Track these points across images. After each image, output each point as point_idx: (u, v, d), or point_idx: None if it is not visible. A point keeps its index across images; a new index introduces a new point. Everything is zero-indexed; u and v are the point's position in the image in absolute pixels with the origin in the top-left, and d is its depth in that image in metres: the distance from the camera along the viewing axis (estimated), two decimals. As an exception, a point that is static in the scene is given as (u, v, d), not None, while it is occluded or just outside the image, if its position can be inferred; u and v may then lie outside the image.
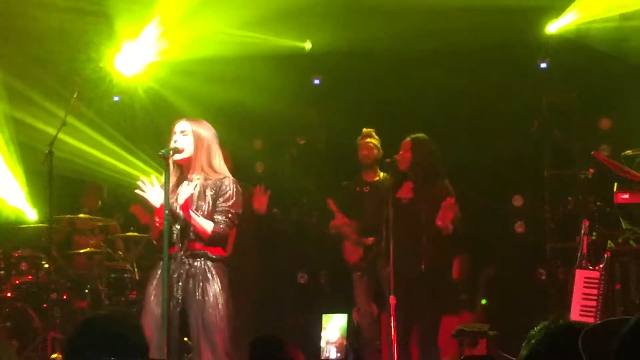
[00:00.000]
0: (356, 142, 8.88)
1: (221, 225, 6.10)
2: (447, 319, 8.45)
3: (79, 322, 3.38)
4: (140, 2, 9.51)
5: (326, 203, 8.87)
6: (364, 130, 8.86)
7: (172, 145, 6.16)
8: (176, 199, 6.07)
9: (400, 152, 8.10)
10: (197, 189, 6.11)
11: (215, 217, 6.12)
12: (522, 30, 9.79)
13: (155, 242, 6.42)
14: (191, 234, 6.12)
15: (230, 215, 6.15)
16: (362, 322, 8.71)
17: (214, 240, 6.12)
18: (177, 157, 6.13)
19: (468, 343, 8.26)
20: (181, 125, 6.22)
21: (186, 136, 6.17)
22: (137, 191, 6.15)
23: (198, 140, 6.19)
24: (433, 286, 7.98)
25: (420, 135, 8.20)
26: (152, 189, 6.12)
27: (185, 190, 6.01)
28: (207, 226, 6.08)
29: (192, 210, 6.04)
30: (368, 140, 8.80)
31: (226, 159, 6.70)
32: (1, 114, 10.22)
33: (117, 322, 3.30)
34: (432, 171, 8.06)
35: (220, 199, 6.14)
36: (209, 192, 6.14)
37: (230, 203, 6.15)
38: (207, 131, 6.26)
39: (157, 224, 6.16)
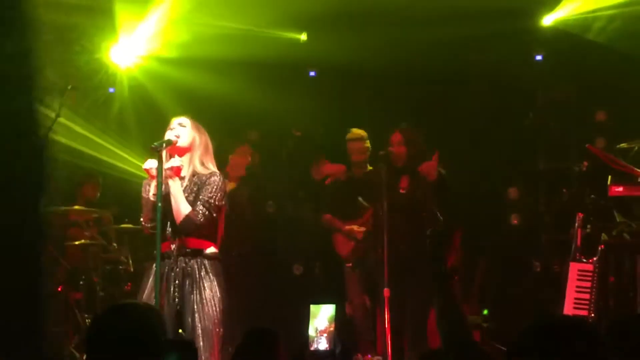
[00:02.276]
0: (345, 140, 8.86)
1: (199, 215, 6.11)
2: None
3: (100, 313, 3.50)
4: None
5: (321, 203, 8.97)
6: (354, 133, 8.84)
7: (168, 135, 6.20)
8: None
9: (393, 147, 8.11)
10: (185, 182, 6.18)
11: (196, 206, 6.13)
12: (518, 22, 9.82)
13: (145, 231, 6.43)
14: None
15: (210, 205, 6.16)
16: (354, 314, 8.74)
17: (184, 225, 6.11)
18: (178, 144, 6.20)
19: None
20: (180, 119, 6.31)
21: (184, 127, 6.25)
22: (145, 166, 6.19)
23: (196, 134, 6.29)
24: (428, 277, 8.11)
25: (406, 126, 8.24)
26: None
27: (174, 161, 6.08)
28: (184, 208, 6.09)
29: (176, 186, 6.09)
30: (360, 143, 8.80)
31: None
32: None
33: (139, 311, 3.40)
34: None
35: (203, 190, 6.17)
36: (194, 187, 6.20)
37: (212, 195, 6.17)
38: (204, 131, 6.35)
39: (153, 198, 6.13)
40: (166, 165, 6.06)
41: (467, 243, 9.28)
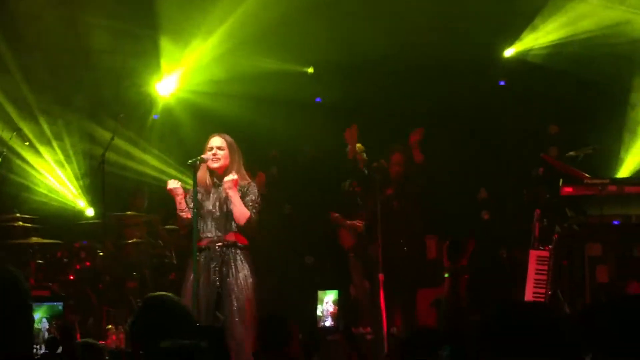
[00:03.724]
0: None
1: (253, 215, 6.53)
2: (426, 291, 8.85)
3: (144, 301, 3.57)
4: (180, 37, 10.06)
5: (328, 205, 9.30)
6: (359, 147, 9.12)
7: (207, 155, 6.57)
8: (214, 195, 6.53)
9: (392, 167, 8.47)
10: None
11: (249, 208, 6.48)
12: (484, 54, 10.37)
13: (181, 229, 6.97)
14: (223, 228, 6.51)
15: (256, 209, 6.60)
16: (358, 295, 9.33)
17: (249, 225, 6.50)
18: (215, 165, 6.55)
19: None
20: (217, 141, 6.65)
21: (223, 150, 6.62)
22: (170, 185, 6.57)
23: (232, 153, 6.64)
24: (413, 265, 8.58)
25: (403, 146, 8.56)
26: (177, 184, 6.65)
27: (231, 176, 6.41)
28: (246, 211, 6.48)
29: (236, 197, 6.44)
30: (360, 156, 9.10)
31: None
32: (75, 129, 10.62)
33: (177, 304, 3.48)
34: (419, 182, 8.61)
35: (247, 198, 6.56)
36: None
37: (256, 199, 6.60)
38: (235, 145, 6.68)
39: (178, 211, 6.57)
40: (226, 178, 6.44)
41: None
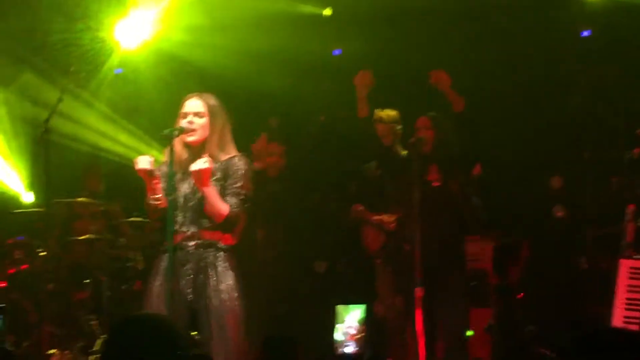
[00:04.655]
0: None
1: (234, 208, 6.09)
2: (479, 312, 8.55)
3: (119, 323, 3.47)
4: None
5: (346, 188, 8.89)
6: (375, 114, 8.69)
7: (182, 123, 6.16)
8: (190, 177, 6.11)
9: (420, 131, 8.02)
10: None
11: (227, 199, 6.10)
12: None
13: (153, 222, 6.56)
14: (200, 221, 6.14)
15: (241, 197, 6.15)
16: (386, 315, 8.82)
17: (229, 223, 6.11)
18: (190, 139, 6.16)
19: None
20: (194, 105, 6.22)
21: (202, 118, 6.18)
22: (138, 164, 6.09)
23: (214, 120, 6.21)
24: (463, 276, 8.05)
25: (435, 113, 8.16)
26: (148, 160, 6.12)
27: (200, 165, 5.95)
28: (224, 207, 6.07)
29: (209, 191, 6.04)
30: (381, 125, 8.64)
31: None
32: (12, 86, 10.39)
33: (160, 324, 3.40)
34: (455, 151, 8.03)
35: (229, 180, 6.15)
36: (217, 174, 6.12)
37: (240, 184, 6.16)
38: (219, 109, 6.27)
39: (151, 200, 6.16)
40: (194, 167, 5.95)
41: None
